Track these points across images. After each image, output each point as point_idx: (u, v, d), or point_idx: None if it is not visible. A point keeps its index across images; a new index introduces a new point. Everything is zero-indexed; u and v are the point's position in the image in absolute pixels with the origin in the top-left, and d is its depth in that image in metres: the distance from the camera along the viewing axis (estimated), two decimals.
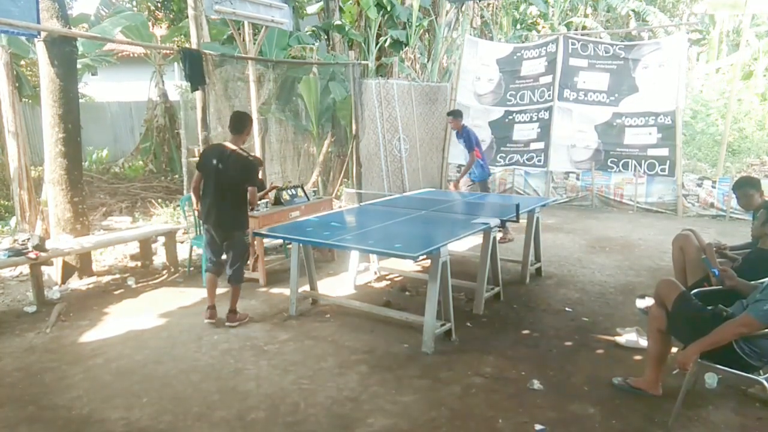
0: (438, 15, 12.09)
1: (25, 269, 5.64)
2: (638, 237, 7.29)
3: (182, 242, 6.77)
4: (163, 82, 11.89)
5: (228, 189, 4.20)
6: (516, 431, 2.95)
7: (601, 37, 11.63)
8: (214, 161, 4.19)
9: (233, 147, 4.20)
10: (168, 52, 10.38)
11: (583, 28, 14.78)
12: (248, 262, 4.87)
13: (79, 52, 8.53)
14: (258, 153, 6.93)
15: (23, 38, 7.07)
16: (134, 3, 12.33)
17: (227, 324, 4.33)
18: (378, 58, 11.39)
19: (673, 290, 3.12)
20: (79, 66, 7.29)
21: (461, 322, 4.29)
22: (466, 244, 6.19)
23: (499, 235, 5.54)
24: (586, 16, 15.76)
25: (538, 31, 15.27)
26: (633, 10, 14.76)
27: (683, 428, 2.94)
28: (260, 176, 6.12)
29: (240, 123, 4.26)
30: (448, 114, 7.63)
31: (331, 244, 4.39)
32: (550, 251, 6.44)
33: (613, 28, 15.85)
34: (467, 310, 4.65)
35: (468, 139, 6.99)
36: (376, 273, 5.70)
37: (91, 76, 12.68)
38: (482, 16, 13.26)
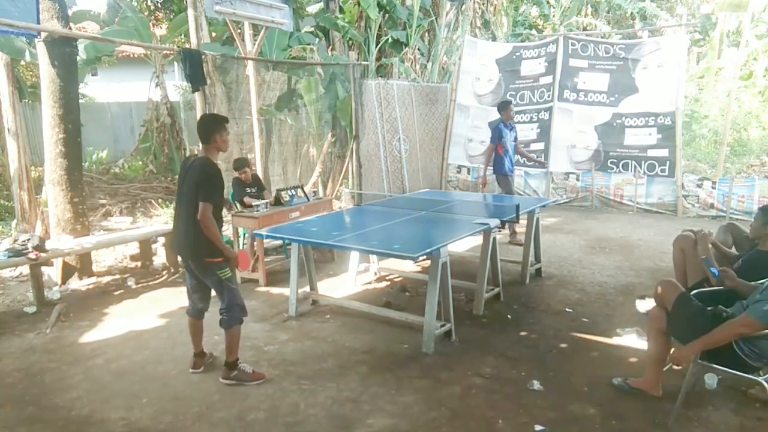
0: (438, 15, 12.10)
1: (25, 270, 5.64)
2: (638, 238, 7.29)
3: None
4: (163, 82, 11.90)
5: (189, 205, 3.28)
6: (516, 431, 2.95)
7: (606, 36, 11.62)
8: (181, 173, 3.42)
9: (201, 155, 3.35)
10: (168, 52, 10.38)
11: (585, 27, 14.78)
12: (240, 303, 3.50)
13: (87, 55, 8.59)
14: (258, 154, 6.93)
15: (22, 40, 7.07)
16: (135, 3, 12.34)
17: (221, 379, 3.46)
18: (378, 59, 11.40)
19: (673, 291, 3.13)
20: (80, 63, 7.27)
21: (461, 323, 4.29)
22: (466, 245, 6.20)
23: (499, 236, 5.52)
24: (587, 15, 15.77)
25: (540, 31, 15.26)
26: (636, 12, 14.77)
27: (683, 429, 2.94)
28: (252, 173, 6.07)
29: (205, 130, 3.32)
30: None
31: (331, 244, 4.39)
32: (550, 252, 6.44)
33: (615, 29, 15.85)
34: (467, 311, 4.65)
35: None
36: (376, 273, 5.70)
37: (91, 77, 12.73)
38: (483, 18, 13.26)
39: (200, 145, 3.40)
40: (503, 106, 7.08)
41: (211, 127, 3.33)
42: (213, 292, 3.55)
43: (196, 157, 3.36)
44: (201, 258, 3.33)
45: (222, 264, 3.36)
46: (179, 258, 3.52)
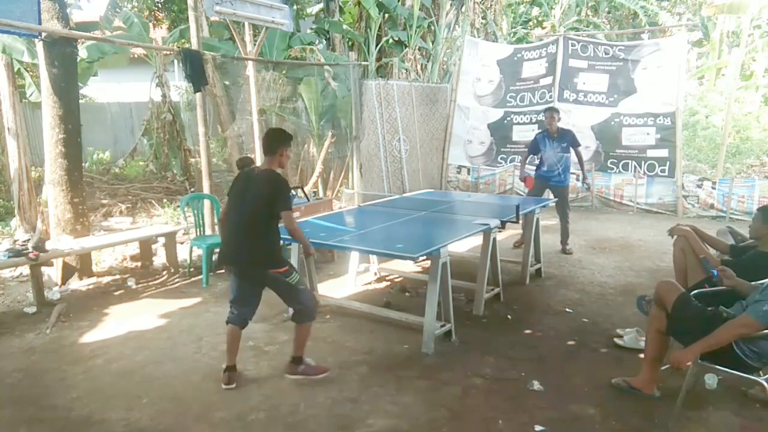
0: (438, 15, 12.11)
1: (25, 270, 5.64)
2: (638, 238, 7.29)
3: (182, 243, 6.77)
4: (163, 83, 11.89)
5: (254, 216, 3.30)
6: (516, 431, 2.95)
7: (612, 39, 11.61)
8: (241, 185, 3.42)
9: (265, 167, 3.41)
10: (168, 52, 10.39)
11: (589, 25, 14.78)
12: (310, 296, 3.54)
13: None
14: (259, 155, 6.93)
15: (19, 40, 7.07)
16: (135, 3, 12.35)
17: (287, 375, 3.49)
18: (378, 59, 11.40)
19: (673, 291, 3.13)
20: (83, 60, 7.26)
21: (461, 323, 4.29)
22: (466, 245, 6.19)
23: (500, 237, 5.48)
24: (587, 15, 15.77)
25: (543, 28, 15.26)
26: (637, 11, 14.76)
27: (683, 429, 2.94)
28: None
29: (272, 142, 3.39)
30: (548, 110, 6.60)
31: (332, 244, 4.39)
32: (550, 252, 6.44)
33: (615, 29, 15.85)
34: (467, 311, 4.65)
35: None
36: (376, 274, 5.70)
37: (91, 77, 12.72)
38: (484, 17, 13.26)
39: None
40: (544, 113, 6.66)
41: (279, 140, 3.39)
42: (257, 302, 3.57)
43: (258, 170, 3.41)
44: (267, 269, 3.34)
45: (289, 271, 3.38)
46: (229, 268, 3.48)
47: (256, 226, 3.29)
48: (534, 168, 6.72)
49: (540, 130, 6.72)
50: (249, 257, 3.33)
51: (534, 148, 6.61)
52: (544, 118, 6.59)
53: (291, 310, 3.52)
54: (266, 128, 8.09)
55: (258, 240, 3.30)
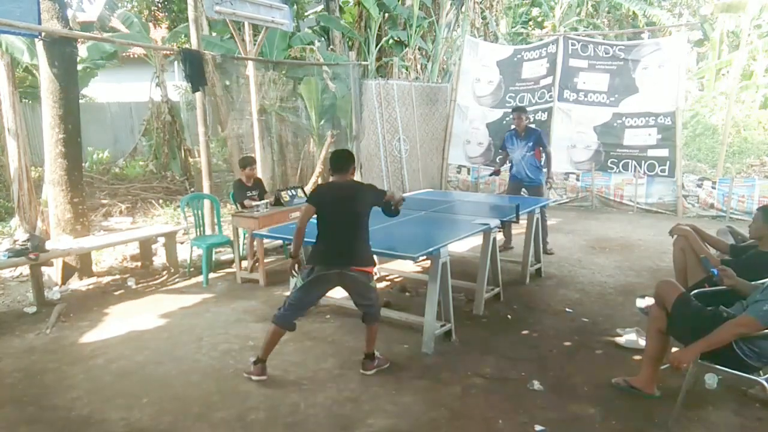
0: (438, 15, 12.11)
1: (25, 270, 5.64)
2: (638, 238, 7.29)
3: (182, 243, 6.77)
4: (163, 82, 11.89)
5: (358, 220, 3.58)
6: (516, 431, 2.95)
7: (610, 38, 11.61)
8: (330, 193, 3.64)
9: (343, 179, 3.66)
10: (168, 52, 10.39)
11: (588, 25, 14.77)
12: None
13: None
14: (259, 155, 6.93)
15: (19, 39, 7.09)
16: (134, 3, 12.36)
17: (362, 371, 3.64)
18: (378, 59, 11.40)
19: (673, 291, 3.13)
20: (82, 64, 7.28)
21: (461, 323, 4.29)
22: (466, 245, 6.19)
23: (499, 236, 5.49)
24: (587, 15, 15.76)
25: (543, 28, 15.25)
26: (635, 12, 14.76)
27: (683, 429, 2.94)
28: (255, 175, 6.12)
29: (341, 162, 3.70)
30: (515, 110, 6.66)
31: None
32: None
33: (615, 29, 15.84)
34: (467, 311, 4.65)
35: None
36: (376, 273, 5.69)
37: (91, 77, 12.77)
38: (484, 17, 13.26)
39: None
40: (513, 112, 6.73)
41: (350, 162, 3.72)
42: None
43: (340, 182, 3.65)
44: (365, 266, 3.59)
45: (373, 273, 3.72)
46: (325, 272, 3.59)
47: (361, 228, 3.57)
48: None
49: (510, 129, 6.82)
50: (353, 257, 3.55)
51: (503, 145, 6.75)
52: (512, 118, 6.73)
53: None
54: (267, 128, 8.13)
55: (361, 241, 3.58)
